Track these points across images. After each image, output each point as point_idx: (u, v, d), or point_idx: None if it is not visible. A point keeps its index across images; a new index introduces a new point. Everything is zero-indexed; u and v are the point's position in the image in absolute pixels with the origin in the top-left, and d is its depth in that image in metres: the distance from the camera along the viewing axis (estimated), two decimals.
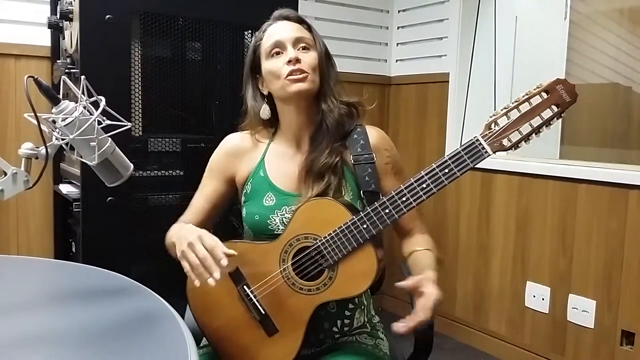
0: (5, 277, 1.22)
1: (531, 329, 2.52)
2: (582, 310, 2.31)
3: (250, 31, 2.13)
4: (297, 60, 1.18)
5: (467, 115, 2.84)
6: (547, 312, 2.44)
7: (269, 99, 1.28)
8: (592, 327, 2.27)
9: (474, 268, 2.77)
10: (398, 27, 3.16)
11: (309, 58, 1.21)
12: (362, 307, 1.27)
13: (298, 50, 1.21)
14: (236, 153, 1.31)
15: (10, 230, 2.32)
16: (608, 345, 2.23)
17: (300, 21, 1.26)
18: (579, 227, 2.33)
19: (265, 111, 1.27)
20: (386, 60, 3.18)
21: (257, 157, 1.28)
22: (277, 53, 1.21)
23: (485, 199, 2.69)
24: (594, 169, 2.28)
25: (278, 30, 1.23)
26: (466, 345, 2.78)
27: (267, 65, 1.23)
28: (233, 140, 1.33)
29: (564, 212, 2.37)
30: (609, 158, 2.48)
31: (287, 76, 1.18)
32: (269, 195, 1.23)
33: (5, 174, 0.98)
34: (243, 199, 1.28)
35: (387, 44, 3.18)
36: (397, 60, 3.17)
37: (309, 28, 1.26)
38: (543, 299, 2.46)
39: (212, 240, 1.07)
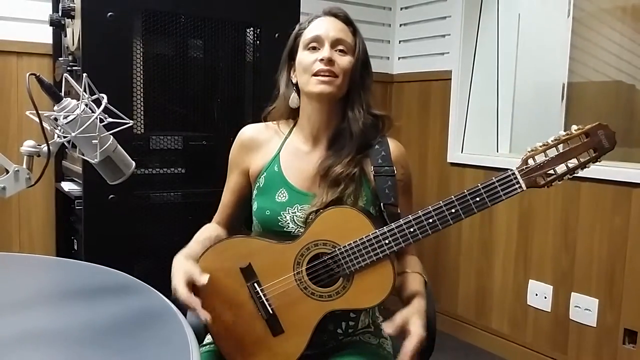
0: (7, 275, 1.22)
1: (533, 328, 2.52)
2: (584, 308, 2.31)
3: (252, 29, 2.13)
4: (330, 61, 1.17)
5: (470, 112, 2.83)
6: (550, 310, 2.44)
7: (297, 88, 1.27)
8: (595, 325, 2.27)
9: (476, 266, 2.76)
10: (400, 25, 3.15)
11: (343, 62, 1.19)
12: (368, 310, 1.27)
13: (335, 51, 1.20)
14: (250, 145, 1.30)
15: (12, 228, 2.32)
16: (610, 343, 2.22)
17: (348, 22, 1.25)
18: (581, 226, 2.32)
19: (294, 99, 1.27)
20: (388, 58, 3.18)
21: (272, 151, 1.27)
22: (314, 48, 1.20)
23: None
24: (597, 167, 2.25)
25: (322, 25, 1.22)
26: (468, 343, 2.78)
27: (300, 56, 1.22)
28: (248, 133, 1.32)
29: (566, 211, 2.37)
30: (612, 156, 2.47)
31: (314, 74, 1.18)
32: (282, 192, 1.23)
33: (7, 171, 0.98)
34: (255, 192, 1.27)
35: (389, 41, 3.17)
36: (399, 58, 3.16)
37: (354, 32, 1.25)
38: (545, 298, 2.45)
39: (184, 294, 1.06)
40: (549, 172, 1.05)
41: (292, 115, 1.30)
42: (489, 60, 2.84)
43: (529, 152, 1.07)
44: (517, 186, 1.05)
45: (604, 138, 1.05)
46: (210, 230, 1.32)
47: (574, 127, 1.06)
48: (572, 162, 1.06)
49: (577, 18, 2.77)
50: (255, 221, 1.26)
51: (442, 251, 2.92)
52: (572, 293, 2.35)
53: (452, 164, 2.84)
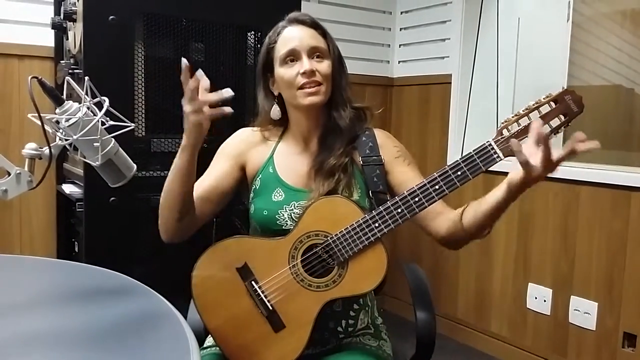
0: (8, 277, 1.23)
1: (533, 331, 2.52)
2: (583, 312, 2.31)
3: (253, 32, 2.14)
4: (312, 73, 1.19)
5: (470, 116, 2.84)
6: (549, 314, 2.44)
7: (279, 99, 1.29)
8: (594, 329, 2.27)
9: (475, 269, 2.77)
10: (401, 29, 3.16)
11: (323, 68, 1.22)
12: (367, 308, 1.28)
13: (312, 59, 1.21)
14: (250, 144, 1.32)
15: (13, 230, 2.33)
16: (610, 347, 2.22)
17: (316, 26, 1.26)
18: (581, 229, 2.32)
19: (275, 112, 1.29)
20: (389, 62, 3.18)
21: (267, 154, 1.30)
22: (292, 60, 1.22)
23: None
24: (596, 170, 2.28)
25: (293, 37, 1.23)
26: (468, 346, 2.78)
27: (280, 71, 1.24)
28: (247, 133, 1.35)
29: (566, 214, 2.37)
30: (611, 160, 2.48)
31: (300, 87, 1.20)
32: (278, 191, 1.25)
33: (9, 174, 0.98)
34: (252, 195, 1.29)
35: (389, 45, 3.18)
36: (399, 62, 3.17)
37: (324, 33, 1.27)
38: (545, 301, 2.45)
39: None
40: (524, 139, 1.08)
41: (278, 123, 1.32)
42: (488, 64, 2.85)
43: (502, 123, 1.10)
44: (495, 156, 1.10)
45: (571, 103, 1.08)
46: None
47: (543, 95, 1.10)
48: (545, 129, 1.09)
49: (577, 22, 2.78)
50: (254, 223, 1.27)
51: (442, 254, 2.92)
52: (572, 296, 2.35)
53: None
